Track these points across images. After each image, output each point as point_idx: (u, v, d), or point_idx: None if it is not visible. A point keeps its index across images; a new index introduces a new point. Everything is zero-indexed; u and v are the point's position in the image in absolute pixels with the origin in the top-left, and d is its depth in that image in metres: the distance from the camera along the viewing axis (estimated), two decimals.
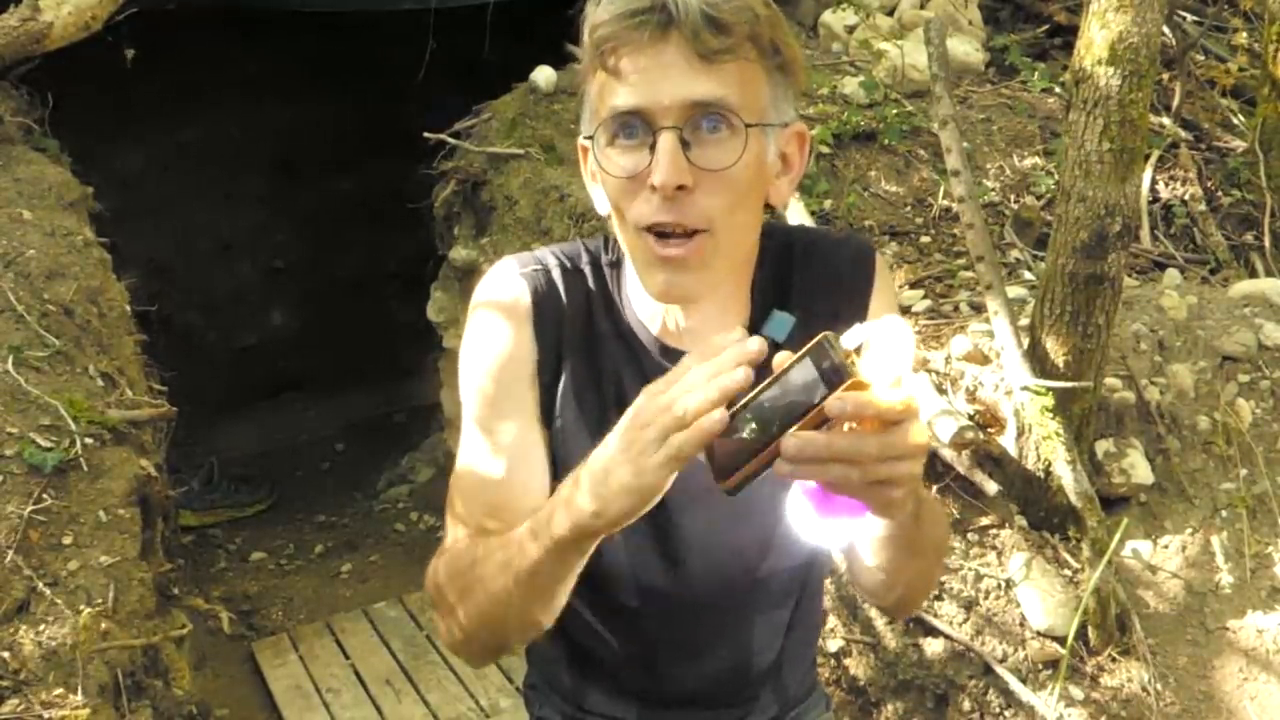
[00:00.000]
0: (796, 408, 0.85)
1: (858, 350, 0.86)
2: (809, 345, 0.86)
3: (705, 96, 1.06)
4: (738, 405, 0.88)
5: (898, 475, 0.86)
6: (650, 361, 1.22)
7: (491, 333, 1.21)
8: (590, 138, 1.13)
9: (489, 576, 1.07)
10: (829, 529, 0.94)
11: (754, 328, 1.23)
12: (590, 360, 1.22)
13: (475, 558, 1.10)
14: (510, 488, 1.19)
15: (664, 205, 1.08)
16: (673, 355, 1.22)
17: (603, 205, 1.18)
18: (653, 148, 1.07)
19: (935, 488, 2.26)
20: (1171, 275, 2.82)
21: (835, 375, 0.84)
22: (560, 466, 1.21)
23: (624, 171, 1.10)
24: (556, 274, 1.23)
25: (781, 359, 0.88)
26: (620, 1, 1.07)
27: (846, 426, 0.86)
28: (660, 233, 1.10)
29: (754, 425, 0.86)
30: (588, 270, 1.25)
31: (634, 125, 1.08)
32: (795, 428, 0.85)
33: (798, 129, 1.18)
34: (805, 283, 1.25)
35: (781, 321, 1.24)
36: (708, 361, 0.89)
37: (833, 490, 0.88)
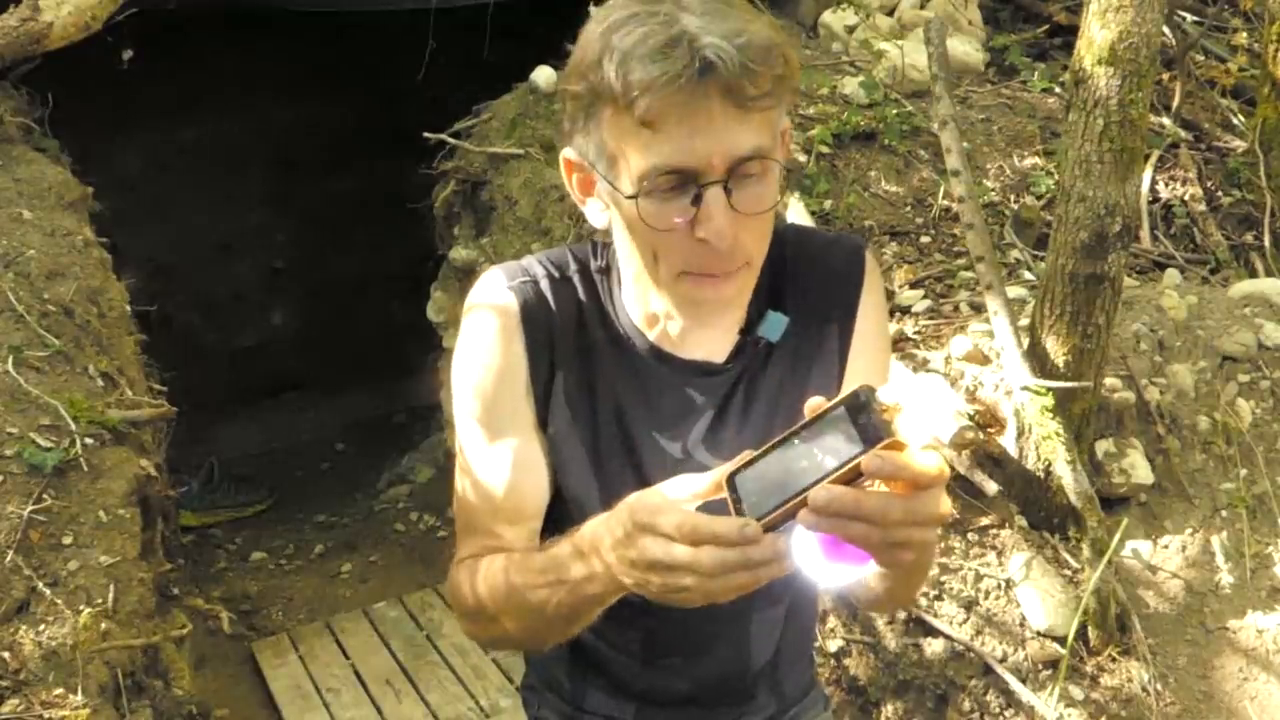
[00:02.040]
0: (830, 460, 0.83)
1: (895, 407, 0.84)
2: (844, 395, 0.84)
3: (748, 150, 1.05)
4: (767, 446, 0.86)
5: (915, 540, 0.85)
6: (644, 366, 1.23)
7: (482, 347, 1.21)
8: (633, 197, 1.09)
9: (521, 609, 1.13)
10: (832, 572, 0.93)
11: (748, 329, 1.24)
12: (583, 368, 1.23)
13: (511, 584, 1.13)
14: (515, 496, 1.21)
15: (712, 255, 1.08)
16: (667, 360, 1.22)
17: (598, 219, 1.17)
18: (695, 200, 1.06)
19: None
20: (1171, 275, 2.82)
21: (874, 432, 0.81)
22: (556, 473, 1.23)
23: (666, 225, 1.08)
24: (545, 284, 1.22)
25: (815, 404, 0.86)
26: (652, 47, 1.02)
27: (877, 484, 0.85)
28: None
29: (786, 470, 0.84)
30: (576, 279, 1.24)
31: (673, 179, 1.07)
32: (827, 480, 0.82)
33: (784, 127, 1.19)
34: (798, 283, 1.26)
35: (776, 322, 1.25)
36: (729, 551, 0.86)
37: (852, 543, 0.86)
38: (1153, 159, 3.28)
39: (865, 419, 0.82)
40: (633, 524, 0.92)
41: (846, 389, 0.90)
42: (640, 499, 0.94)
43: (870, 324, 1.27)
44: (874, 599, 1.20)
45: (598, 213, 1.17)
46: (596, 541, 0.99)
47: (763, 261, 1.17)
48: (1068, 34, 3.71)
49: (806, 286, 1.25)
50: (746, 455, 0.89)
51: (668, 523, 0.89)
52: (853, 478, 0.83)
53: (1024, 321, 2.35)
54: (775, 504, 0.84)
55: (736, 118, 1.04)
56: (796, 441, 0.85)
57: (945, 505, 0.86)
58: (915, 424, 0.82)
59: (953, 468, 2.27)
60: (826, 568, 0.93)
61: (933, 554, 1.19)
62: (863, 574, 0.96)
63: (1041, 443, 2.22)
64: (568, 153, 1.17)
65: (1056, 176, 2.90)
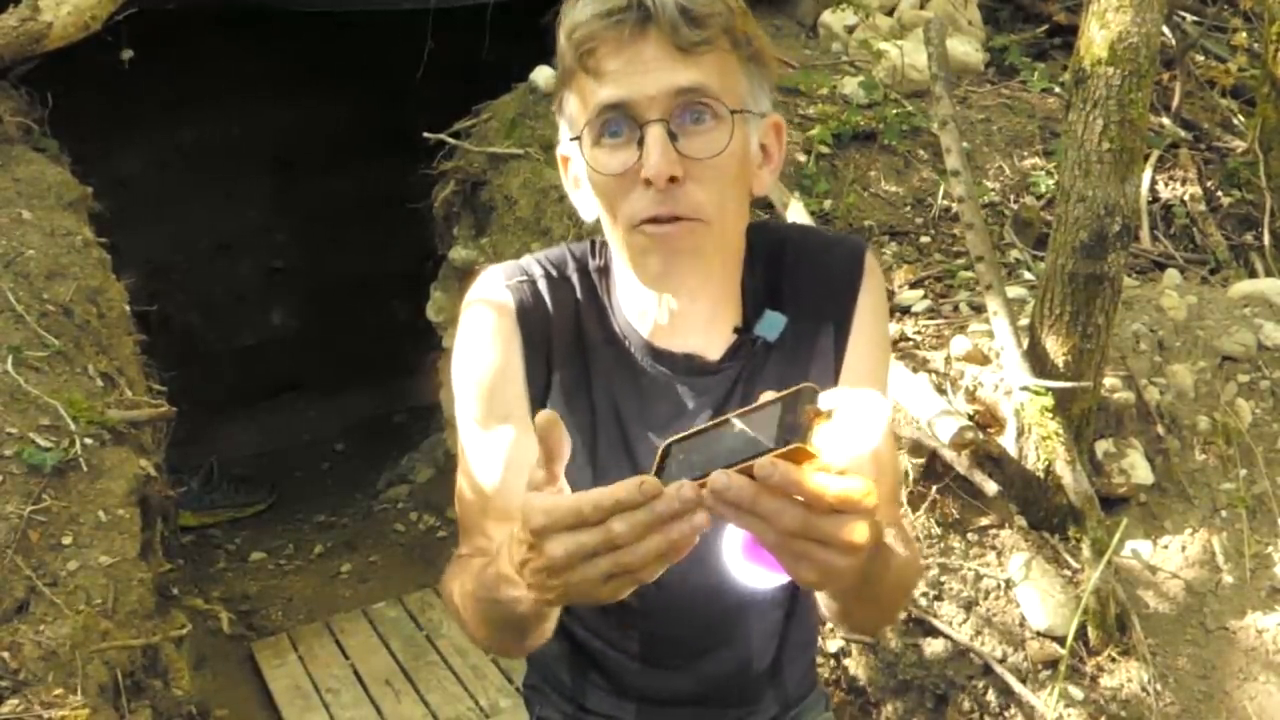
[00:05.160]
0: (745, 450, 0.79)
1: (826, 413, 0.78)
2: (789, 390, 0.81)
3: (688, 84, 1.08)
4: (708, 424, 0.85)
5: (815, 559, 0.80)
6: (641, 366, 1.22)
7: (479, 347, 1.22)
8: (576, 139, 1.14)
9: (478, 619, 1.09)
10: (750, 573, 0.93)
11: (745, 327, 1.24)
12: (581, 367, 1.23)
13: (468, 592, 1.09)
14: (505, 496, 1.20)
15: (657, 198, 1.09)
16: (663, 358, 1.22)
17: (588, 212, 1.19)
18: (640, 143, 1.08)
19: (935, 488, 2.26)
20: (1171, 275, 2.82)
21: (787, 434, 0.78)
22: None
23: (613, 170, 1.10)
24: (542, 284, 1.23)
25: (766, 396, 0.84)
26: (596, 2, 1.08)
27: None
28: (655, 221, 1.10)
29: (710, 451, 0.82)
30: (574, 277, 1.25)
31: (619, 122, 1.09)
32: (735, 468, 0.78)
33: (774, 120, 1.20)
34: (796, 282, 1.25)
35: (773, 321, 1.24)
36: (636, 512, 0.79)
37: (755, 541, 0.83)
38: (1153, 159, 3.28)
39: (789, 419, 0.79)
40: (529, 534, 0.84)
41: None
42: (526, 506, 0.85)
43: (867, 326, 1.26)
44: (830, 615, 1.16)
45: (587, 203, 1.18)
46: (510, 563, 0.91)
47: (729, 228, 1.16)
48: (1067, 34, 3.71)
49: (805, 286, 1.25)
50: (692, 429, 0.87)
51: (565, 514, 0.82)
52: None
53: (1024, 321, 2.35)
54: (688, 479, 0.81)
55: (677, 58, 1.08)
56: (734, 424, 0.83)
57: (859, 535, 0.79)
58: (842, 439, 0.75)
59: (953, 467, 2.27)
60: (744, 567, 0.93)
61: (891, 587, 1.08)
62: (778, 581, 0.95)
63: (1041, 443, 2.22)
64: (560, 148, 1.19)
65: (1056, 176, 2.90)
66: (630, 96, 1.08)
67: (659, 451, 0.85)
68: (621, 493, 0.80)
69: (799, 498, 0.77)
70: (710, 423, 0.85)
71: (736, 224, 1.18)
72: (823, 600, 1.14)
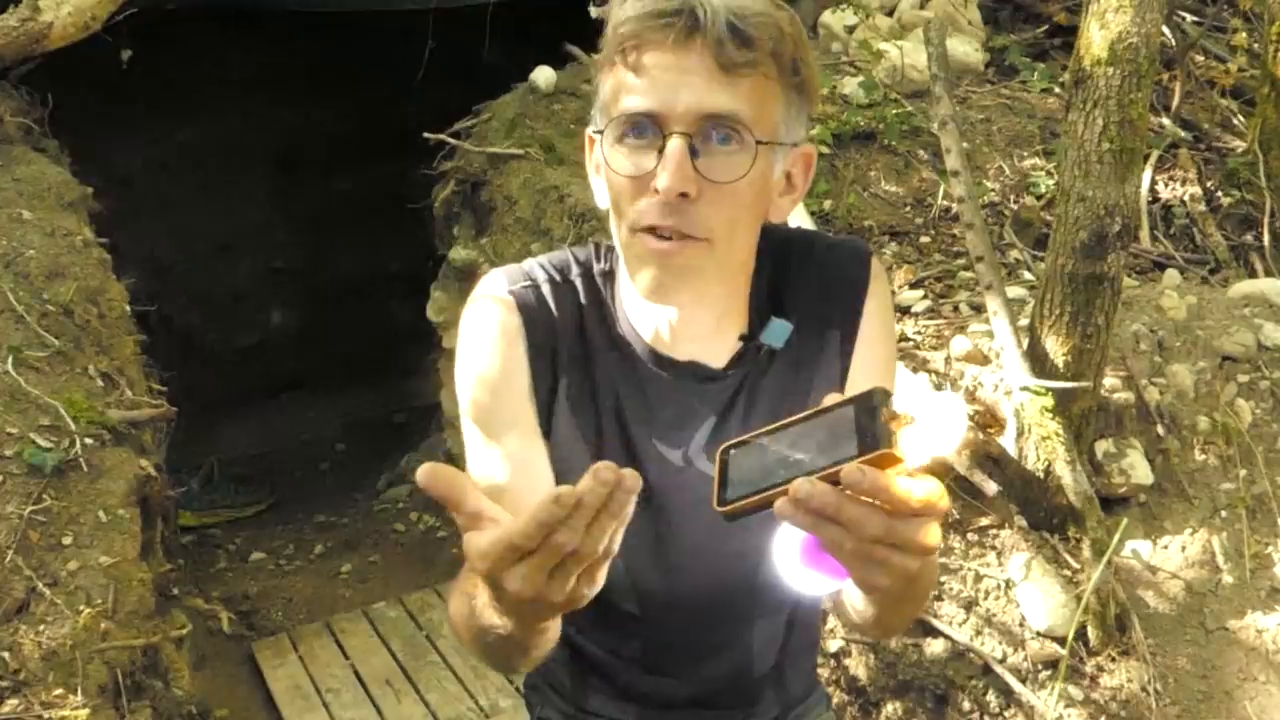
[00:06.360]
0: (822, 456, 0.79)
1: (905, 418, 0.78)
2: (859, 393, 0.80)
3: (720, 109, 1.06)
4: (768, 429, 0.83)
5: (891, 564, 0.80)
6: (645, 371, 1.21)
7: (483, 353, 1.20)
8: (600, 132, 1.13)
9: (478, 640, 1.05)
10: (809, 579, 0.91)
11: (750, 335, 1.23)
12: (585, 372, 1.21)
13: (462, 616, 1.06)
14: (515, 504, 1.18)
15: (664, 209, 1.07)
16: (666, 364, 1.21)
17: (603, 199, 1.17)
18: (661, 151, 1.06)
19: None
20: (1171, 275, 2.82)
21: (871, 440, 0.77)
22: (559, 478, 1.20)
23: (629, 171, 1.09)
24: (546, 289, 1.21)
25: (833, 397, 0.83)
26: (649, 0, 1.06)
27: None
28: (657, 233, 1.10)
29: (778, 457, 0.81)
30: (578, 281, 1.24)
31: (644, 126, 1.08)
32: (815, 475, 0.78)
33: (805, 150, 1.17)
34: (801, 287, 1.24)
35: (779, 329, 1.23)
36: (579, 512, 0.78)
37: (824, 548, 0.82)
38: (1152, 159, 3.28)
39: (868, 423, 0.78)
40: (480, 573, 0.84)
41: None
42: (467, 550, 0.84)
43: (874, 330, 1.25)
44: (862, 622, 1.15)
45: (603, 191, 1.17)
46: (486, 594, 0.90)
47: (734, 251, 1.14)
48: (1067, 34, 3.71)
49: (809, 292, 1.24)
50: (748, 434, 0.85)
51: (503, 551, 0.80)
52: (839, 480, 0.79)
53: (1024, 321, 2.35)
54: (757, 488, 0.81)
55: (716, 77, 1.05)
56: (798, 430, 0.82)
57: (934, 537, 0.79)
58: (924, 442, 0.75)
59: (953, 467, 2.27)
60: (802, 573, 0.91)
61: (924, 587, 1.11)
62: (837, 586, 0.94)
63: (1041, 443, 2.22)
64: (590, 128, 1.18)
65: (1056, 176, 2.90)
66: (659, 108, 1.06)
67: (718, 458, 0.84)
68: (543, 515, 0.78)
69: (880, 503, 0.77)
70: (770, 427, 0.84)
71: (743, 247, 1.17)
72: (856, 608, 1.13)
